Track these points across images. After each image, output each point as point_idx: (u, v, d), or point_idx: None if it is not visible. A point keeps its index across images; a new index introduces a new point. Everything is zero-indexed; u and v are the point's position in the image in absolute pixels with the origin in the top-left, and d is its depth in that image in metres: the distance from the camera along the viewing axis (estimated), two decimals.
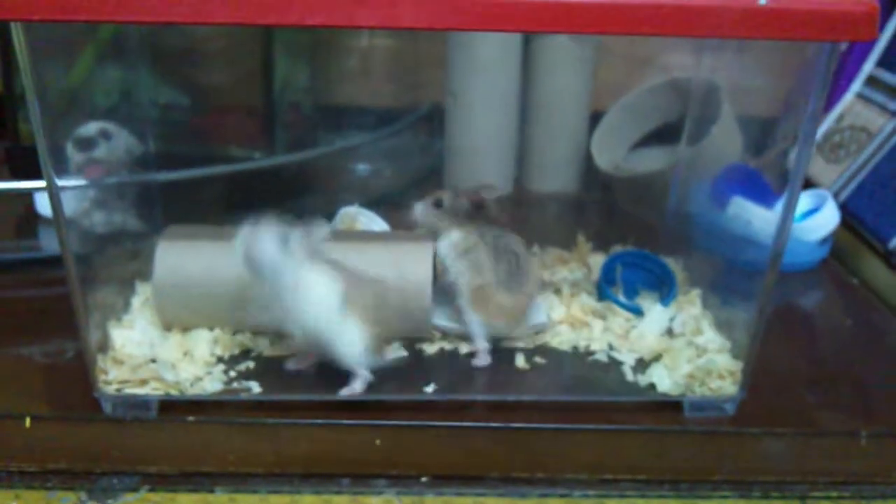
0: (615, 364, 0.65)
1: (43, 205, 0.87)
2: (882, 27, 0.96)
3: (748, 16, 0.48)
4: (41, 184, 0.77)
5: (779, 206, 0.59)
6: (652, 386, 0.62)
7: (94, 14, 0.47)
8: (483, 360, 0.64)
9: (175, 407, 0.58)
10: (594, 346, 0.67)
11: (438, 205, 0.67)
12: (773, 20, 0.48)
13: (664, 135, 0.90)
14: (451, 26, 0.48)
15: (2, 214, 0.89)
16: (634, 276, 0.74)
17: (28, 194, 0.88)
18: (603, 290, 0.72)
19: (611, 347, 0.66)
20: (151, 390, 0.59)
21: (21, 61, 0.50)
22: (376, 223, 0.79)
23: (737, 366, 0.62)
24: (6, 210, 0.90)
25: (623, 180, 0.89)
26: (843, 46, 0.96)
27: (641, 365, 0.65)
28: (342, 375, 0.61)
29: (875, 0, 0.49)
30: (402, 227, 0.80)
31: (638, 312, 0.70)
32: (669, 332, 0.68)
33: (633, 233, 0.81)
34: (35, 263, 0.79)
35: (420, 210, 0.67)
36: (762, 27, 0.48)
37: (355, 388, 0.60)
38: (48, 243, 0.84)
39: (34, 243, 0.85)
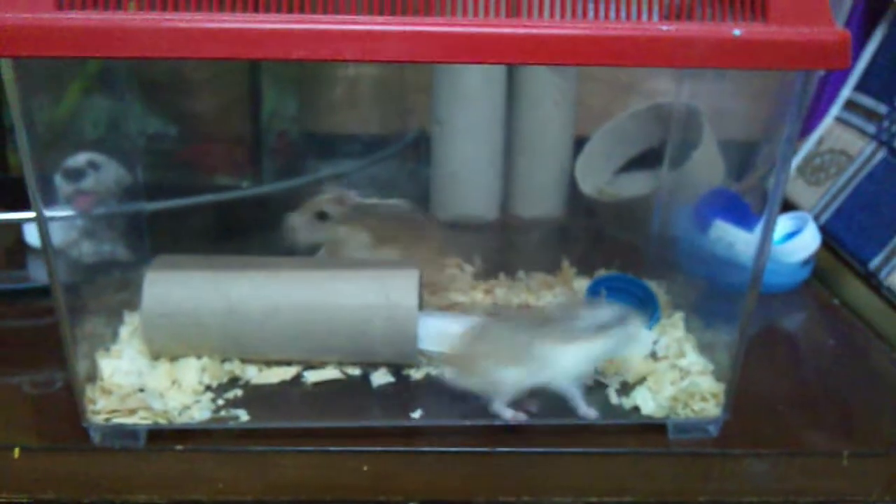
0: (600, 387, 0.65)
1: (31, 235, 0.87)
2: (858, 52, 0.97)
3: (724, 46, 0.49)
4: (29, 215, 0.78)
5: (759, 228, 0.60)
6: (636, 408, 0.63)
7: (81, 50, 0.48)
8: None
9: (163, 436, 0.59)
10: None
11: (323, 216, 0.67)
12: (748, 50, 0.50)
13: (647, 160, 0.92)
14: (434, 59, 0.49)
15: None
16: (618, 300, 0.75)
17: (17, 225, 0.88)
18: None
19: (595, 371, 0.67)
20: (140, 419, 0.59)
21: (10, 96, 0.51)
22: None
23: (720, 388, 0.63)
24: None
25: (607, 205, 0.90)
26: (821, 72, 0.98)
27: (626, 388, 0.65)
28: (331, 402, 0.61)
29: (847, 30, 0.51)
30: None
31: None
32: (653, 355, 0.69)
33: (617, 257, 0.82)
34: (23, 294, 0.79)
35: (301, 224, 0.67)
36: (737, 57, 0.50)
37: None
38: (36, 274, 0.84)
39: (23, 274, 0.85)
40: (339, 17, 0.48)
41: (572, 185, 0.92)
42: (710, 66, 0.51)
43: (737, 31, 0.49)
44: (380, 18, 0.48)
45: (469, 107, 0.93)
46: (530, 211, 0.98)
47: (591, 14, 0.50)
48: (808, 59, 0.51)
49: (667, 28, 0.49)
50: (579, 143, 0.94)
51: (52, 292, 0.56)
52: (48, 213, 0.55)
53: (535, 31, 0.49)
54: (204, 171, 0.89)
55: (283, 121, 1.00)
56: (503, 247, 0.94)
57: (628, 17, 0.51)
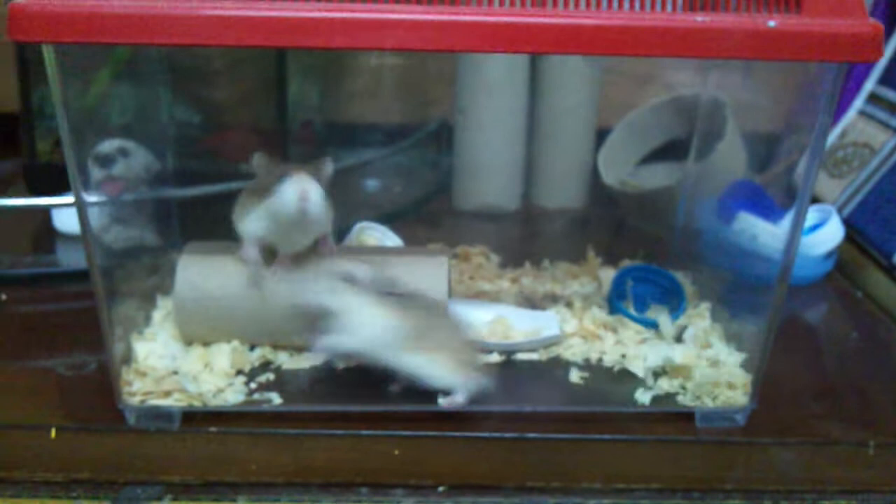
0: (627, 376, 0.66)
1: (60, 221, 0.88)
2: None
3: (759, 37, 0.50)
4: (60, 200, 0.79)
5: (783, 221, 0.61)
6: (664, 397, 0.63)
7: (122, 37, 0.48)
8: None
9: (197, 418, 0.60)
10: (606, 359, 0.68)
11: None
12: (782, 41, 0.50)
13: (670, 151, 0.92)
14: (472, 49, 0.49)
15: (20, 230, 0.90)
16: (644, 290, 0.75)
17: (45, 210, 0.89)
18: (614, 304, 0.73)
19: (623, 359, 0.68)
20: (174, 402, 0.60)
21: (52, 82, 0.52)
22: (390, 238, 0.80)
23: (746, 377, 0.63)
24: (24, 226, 0.91)
25: (630, 196, 0.91)
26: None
27: (654, 376, 0.66)
28: (363, 386, 0.62)
29: (880, 22, 0.51)
30: (415, 242, 0.81)
31: (652, 325, 0.71)
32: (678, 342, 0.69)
33: (643, 247, 0.82)
34: (53, 278, 0.80)
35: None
36: (772, 48, 0.50)
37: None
38: (66, 258, 0.85)
39: (52, 258, 0.86)
40: (377, 5, 0.49)
41: (595, 176, 0.92)
42: (744, 58, 0.51)
43: (771, 23, 0.50)
44: (418, 7, 0.49)
45: (492, 96, 0.94)
46: (552, 201, 0.99)
47: (626, 4, 0.51)
48: (842, 50, 0.51)
49: (701, 19, 0.50)
50: (602, 134, 0.94)
51: (91, 276, 0.57)
52: (87, 198, 0.56)
53: (570, 20, 0.49)
54: (231, 157, 0.90)
55: (307, 110, 1.00)
56: (527, 236, 0.95)
57: (663, 7, 0.51)
